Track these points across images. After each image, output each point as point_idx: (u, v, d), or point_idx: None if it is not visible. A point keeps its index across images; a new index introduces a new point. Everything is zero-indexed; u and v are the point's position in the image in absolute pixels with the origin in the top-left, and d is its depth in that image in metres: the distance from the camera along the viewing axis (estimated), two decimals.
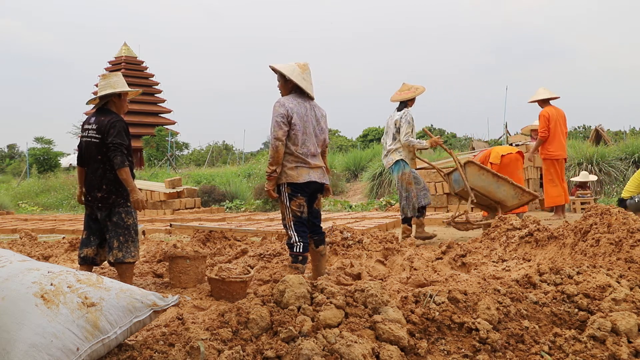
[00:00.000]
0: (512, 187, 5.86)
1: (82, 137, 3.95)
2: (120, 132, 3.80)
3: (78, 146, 4.04)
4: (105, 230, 3.86)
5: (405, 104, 6.06)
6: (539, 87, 8.04)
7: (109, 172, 3.82)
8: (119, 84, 3.95)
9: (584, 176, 10.23)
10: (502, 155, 7.09)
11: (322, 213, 4.24)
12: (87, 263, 3.93)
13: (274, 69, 3.97)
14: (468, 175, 5.92)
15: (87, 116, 4.12)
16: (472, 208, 7.06)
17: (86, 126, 3.91)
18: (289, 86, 3.93)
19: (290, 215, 3.85)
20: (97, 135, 3.82)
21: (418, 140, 5.96)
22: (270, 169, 3.84)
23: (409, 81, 6.38)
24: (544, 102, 7.84)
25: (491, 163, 7.18)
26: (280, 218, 4.01)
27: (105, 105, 3.96)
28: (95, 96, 4.02)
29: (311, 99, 3.98)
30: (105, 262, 4.03)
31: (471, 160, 6.05)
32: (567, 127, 7.91)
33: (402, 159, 5.94)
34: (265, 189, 3.92)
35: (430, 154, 16.72)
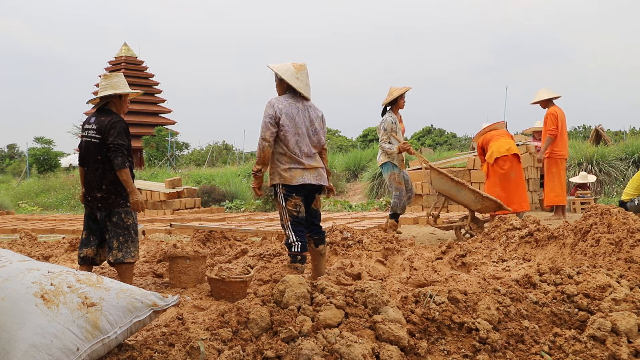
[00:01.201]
0: (471, 192, 5.93)
1: (82, 137, 3.95)
2: (121, 133, 3.79)
3: (79, 146, 4.04)
4: (105, 230, 3.86)
5: (388, 108, 6.47)
6: (541, 88, 8.01)
7: (109, 172, 3.81)
8: (120, 84, 3.95)
9: (582, 177, 10.21)
10: (497, 158, 7.04)
11: (322, 213, 4.24)
12: (87, 263, 3.93)
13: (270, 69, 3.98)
14: (432, 179, 6.11)
15: (87, 116, 4.12)
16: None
17: (86, 126, 3.91)
18: (283, 86, 3.94)
19: (287, 215, 3.84)
20: (97, 136, 3.81)
21: (389, 145, 6.29)
22: (256, 167, 3.91)
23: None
24: (547, 102, 7.83)
25: (487, 162, 7.18)
26: (279, 218, 4.00)
27: (105, 106, 3.96)
28: (95, 96, 4.02)
29: (306, 99, 3.97)
30: (105, 262, 4.03)
31: (431, 165, 6.19)
32: (566, 127, 7.90)
33: (389, 161, 6.34)
34: (251, 186, 3.99)
35: (430, 154, 16.72)
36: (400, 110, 6.56)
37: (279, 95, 3.97)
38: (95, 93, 30.71)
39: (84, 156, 3.93)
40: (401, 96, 6.41)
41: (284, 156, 3.84)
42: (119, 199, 3.84)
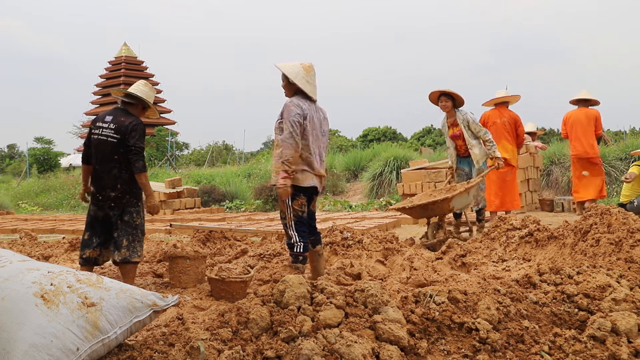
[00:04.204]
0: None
1: (93, 134, 3.90)
2: (142, 136, 3.85)
3: (85, 144, 3.99)
4: (115, 228, 3.86)
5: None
6: (581, 90, 8.22)
7: (125, 172, 3.83)
8: (151, 99, 4.07)
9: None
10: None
11: (322, 213, 4.23)
12: (89, 264, 3.93)
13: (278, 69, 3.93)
14: None
15: (95, 115, 4.14)
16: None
17: (100, 124, 3.88)
18: (293, 88, 3.88)
19: (292, 215, 3.83)
20: (115, 135, 3.81)
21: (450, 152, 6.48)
22: (291, 167, 3.69)
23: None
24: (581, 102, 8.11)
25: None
26: (280, 217, 3.99)
27: (125, 105, 4.00)
28: (115, 88, 4.05)
29: (314, 101, 3.95)
30: (105, 262, 4.03)
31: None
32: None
33: None
34: (280, 186, 3.70)
35: (430, 154, 16.72)
36: (470, 116, 6.32)
37: (287, 95, 3.93)
38: (96, 93, 30.71)
39: (95, 154, 3.88)
40: (439, 100, 6.22)
41: (299, 157, 3.80)
42: (132, 199, 3.87)
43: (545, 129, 24.47)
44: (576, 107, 8.18)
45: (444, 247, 4.74)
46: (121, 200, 3.83)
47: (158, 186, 13.28)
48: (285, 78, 3.90)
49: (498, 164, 5.94)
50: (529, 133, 10.09)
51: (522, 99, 7.78)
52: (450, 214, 6.27)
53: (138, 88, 4.01)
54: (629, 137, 18.44)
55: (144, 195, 3.98)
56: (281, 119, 3.85)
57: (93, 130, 3.91)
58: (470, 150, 6.11)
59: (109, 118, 3.88)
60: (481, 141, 6.11)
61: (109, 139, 3.82)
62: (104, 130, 3.84)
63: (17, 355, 1.71)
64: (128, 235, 3.83)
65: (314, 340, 1.93)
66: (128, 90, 4.02)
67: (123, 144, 3.79)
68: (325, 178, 4.13)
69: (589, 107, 8.11)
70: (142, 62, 32.46)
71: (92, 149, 3.91)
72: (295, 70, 3.84)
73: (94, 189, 3.90)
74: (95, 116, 4.32)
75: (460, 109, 6.23)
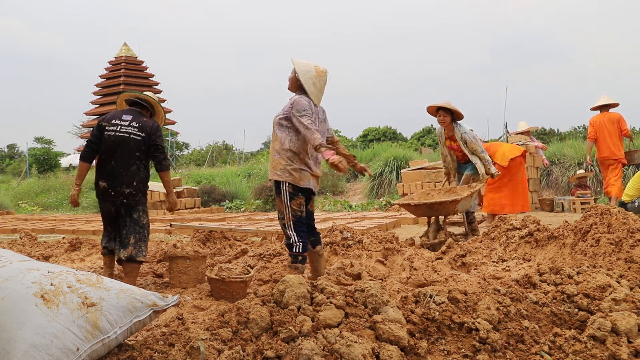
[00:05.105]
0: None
1: (108, 131, 3.89)
2: (163, 137, 4.01)
3: (92, 141, 3.93)
4: (123, 225, 3.89)
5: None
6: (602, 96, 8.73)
7: (143, 170, 3.92)
8: (159, 102, 4.24)
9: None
10: (510, 159, 7.25)
11: (322, 213, 4.23)
12: (112, 254, 4.02)
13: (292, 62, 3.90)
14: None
15: (88, 115, 4.21)
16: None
17: (118, 122, 3.91)
18: (297, 85, 3.87)
19: (290, 214, 3.83)
20: (140, 133, 3.88)
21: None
22: (328, 146, 3.68)
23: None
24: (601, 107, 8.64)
25: (496, 163, 7.24)
26: (278, 218, 3.99)
27: (138, 108, 4.10)
28: (126, 89, 4.16)
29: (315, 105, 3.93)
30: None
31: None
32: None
33: None
34: (336, 161, 3.55)
35: (430, 154, 16.71)
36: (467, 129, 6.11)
37: (290, 88, 3.92)
38: (96, 93, 30.74)
39: (111, 151, 3.86)
40: (437, 114, 5.93)
41: (297, 156, 3.80)
42: (143, 198, 3.95)
43: (545, 129, 24.44)
44: (598, 112, 8.66)
45: (444, 247, 4.74)
46: (135, 198, 3.88)
47: (158, 186, 13.27)
48: (294, 71, 3.88)
49: (493, 175, 5.89)
50: (522, 132, 10.18)
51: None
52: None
53: (150, 96, 4.17)
54: None
55: (157, 196, 4.15)
56: (282, 114, 3.84)
57: (108, 128, 3.91)
58: (473, 162, 5.91)
59: (127, 117, 3.94)
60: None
61: (131, 135, 3.87)
62: (123, 127, 3.88)
63: (17, 355, 1.71)
64: (135, 234, 3.87)
65: (314, 340, 1.93)
66: (145, 93, 4.15)
67: (147, 143, 3.89)
68: (319, 178, 4.13)
69: (610, 111, 8.61)
70: (142, 62, 32.36)
71: (107, 146, 3.88)
72: (306, 68, 3.82)
73: (106, 184, 3.88)
74: (98, 115, 4.42)
75: (459, 123, 5.93)
